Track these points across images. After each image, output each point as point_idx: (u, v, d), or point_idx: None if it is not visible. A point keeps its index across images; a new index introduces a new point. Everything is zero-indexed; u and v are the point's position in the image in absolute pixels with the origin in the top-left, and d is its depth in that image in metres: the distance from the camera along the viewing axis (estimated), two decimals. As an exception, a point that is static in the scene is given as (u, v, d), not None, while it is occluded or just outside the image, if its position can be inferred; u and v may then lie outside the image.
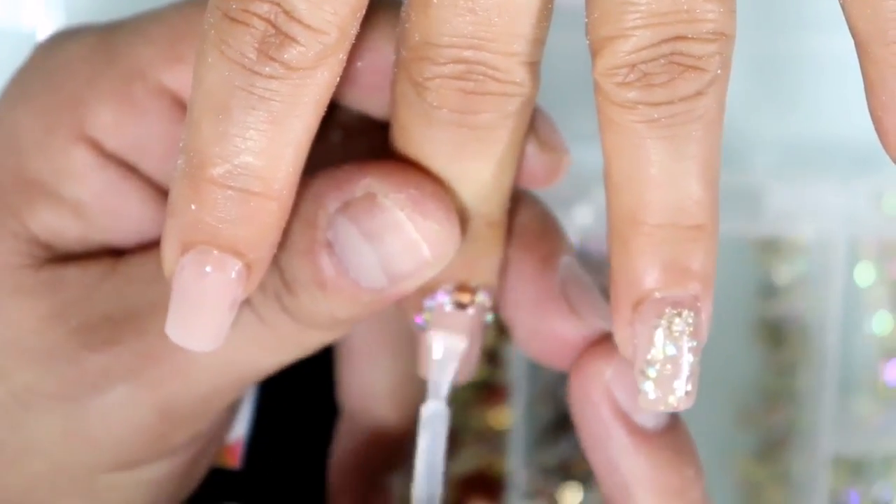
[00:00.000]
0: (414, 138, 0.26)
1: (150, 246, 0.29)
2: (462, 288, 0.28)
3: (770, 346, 0.63)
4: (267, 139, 0.23)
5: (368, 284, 0.26)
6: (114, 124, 0.28)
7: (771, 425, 0.61)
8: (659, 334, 0.25)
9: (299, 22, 0.23)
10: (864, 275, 0.60)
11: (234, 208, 0.24)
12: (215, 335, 0.25)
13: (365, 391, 0.33)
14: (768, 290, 0.61)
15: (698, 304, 0.26)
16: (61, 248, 0.28)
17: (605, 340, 0.28)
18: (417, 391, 0.33)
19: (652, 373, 0.26)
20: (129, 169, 0.28)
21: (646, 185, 0.25)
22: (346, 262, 0.25)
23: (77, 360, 0.27)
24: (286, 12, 0.23)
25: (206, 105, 0.23)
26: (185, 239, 0.24)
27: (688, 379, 0.26)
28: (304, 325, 0.27)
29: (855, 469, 0.61)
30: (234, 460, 0.31)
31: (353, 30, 0.23)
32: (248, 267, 0.24)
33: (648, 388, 0.26)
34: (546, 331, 0.28)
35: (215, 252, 0.24)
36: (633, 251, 0.25)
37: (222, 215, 0.24)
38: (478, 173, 0.26)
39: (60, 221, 0.28)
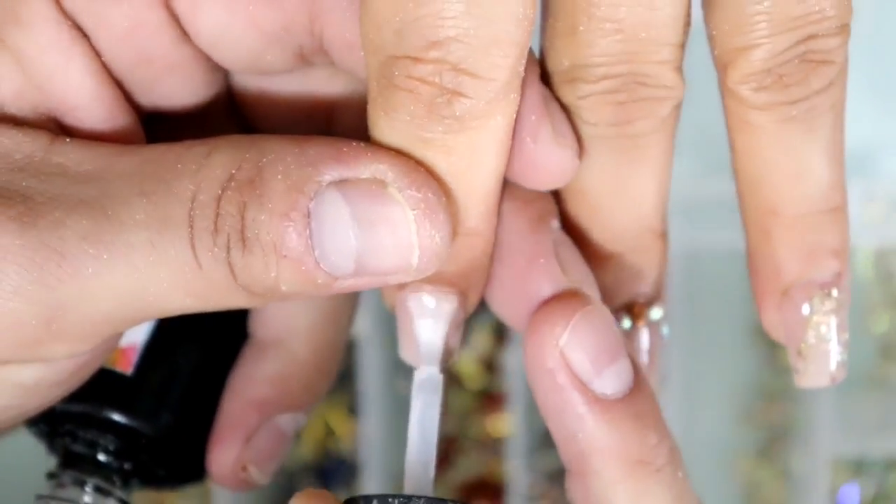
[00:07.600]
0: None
1: (88, 135, 0.27)
2: (631, 308, 0.27)
3: (768, 348, 0.63)
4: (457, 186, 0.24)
5: (330, 268, 0.24)
6: None
7: (770, 425, 0.62)
8: (810, 316, 0.26)
9: (470, 74, 0.23)
10: (861, 274, 0.60)
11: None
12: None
13: (281, 323, 0.31)
14: (765, 292, 0.61)
15: (842, 280, 0.26)
16: None
17: (560, 299, 0.26)
18: (339, 335, 0.31)
19: (807, 353, 0.26)
20: (81, 34, 0.27)
21: (784, 179, 0.25)
22: (317, 238, 0.24)
23: None
24: (453, 66, 0.23)
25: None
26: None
27: (840, 352, 0.26)
28: (241, 284, 0.25)
29: (855, 467, 0.61)
30: (127, 365, 0.29)
31: (521, 67, 0.23)
32: (462, 294, 0.26)
33: (805, 368, 0.26)
34: (532, 291, 0.26)
35: (428, 286, 0.26)
36: (777, 242, 0.26)
37: None
38: (641, 183, 0.26)
39: (1, 68, 0.26)
